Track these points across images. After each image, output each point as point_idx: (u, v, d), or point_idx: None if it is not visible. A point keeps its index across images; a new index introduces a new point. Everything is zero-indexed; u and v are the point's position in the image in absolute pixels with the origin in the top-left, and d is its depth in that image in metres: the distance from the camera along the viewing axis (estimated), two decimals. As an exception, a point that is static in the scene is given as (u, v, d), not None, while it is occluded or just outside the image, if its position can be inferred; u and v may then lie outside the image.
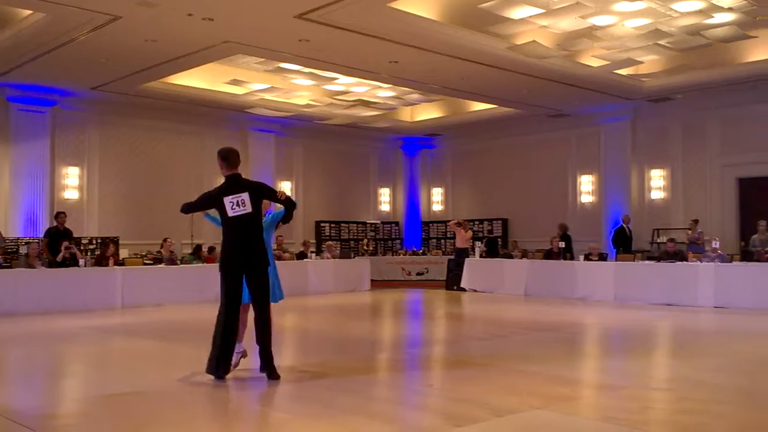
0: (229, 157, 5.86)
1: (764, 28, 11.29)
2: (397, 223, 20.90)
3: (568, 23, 10.47)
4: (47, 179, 14.35)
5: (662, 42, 11.32)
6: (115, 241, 14.18)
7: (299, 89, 14.87)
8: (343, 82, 14.28)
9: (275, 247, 11.39)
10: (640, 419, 4.63)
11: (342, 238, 19.22)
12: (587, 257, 13.56)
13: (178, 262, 13.55)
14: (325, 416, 4.71)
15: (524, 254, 15.49)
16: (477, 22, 10.76)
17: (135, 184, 15.77)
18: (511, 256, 15.46)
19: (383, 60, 12.17)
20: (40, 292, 11.00)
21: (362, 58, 12.03)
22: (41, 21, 10.18)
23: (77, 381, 6.39)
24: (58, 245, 12.14)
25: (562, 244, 14.54)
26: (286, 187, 17.67)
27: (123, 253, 14.31)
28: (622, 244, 14.85)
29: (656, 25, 10.62)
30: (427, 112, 17.97)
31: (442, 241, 20.06)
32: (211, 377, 5.69)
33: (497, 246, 17.60)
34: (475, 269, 14.92)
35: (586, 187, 17.41)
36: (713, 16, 10.27)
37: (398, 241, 20.66)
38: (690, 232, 14.15)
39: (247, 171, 15.29)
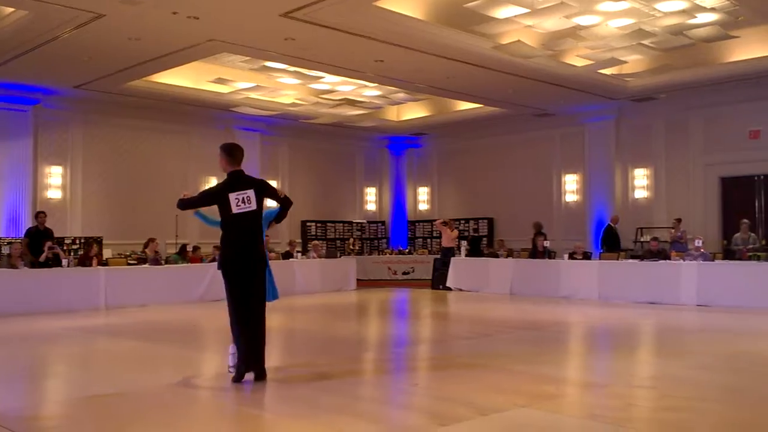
0: (233, 153, 5.73)
1: (746, 28, 11.40)
2: (383, 223, 20.90)
3: (552, 23, 10.53)
4: (30, 178, 14.22)
5: (646, 42, 11.41)
6: (98, 241, 14.09)
7: (285, 88, 14.83)
8: (328, 81, 14.25)
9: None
10: (623, 417, 4.66)
11: (328, 237, 19.20)
12: (571, 256, 13.63)
13: (163, 262, 13.46)
14: (311, 416, 4.70)
15: (509, 253, 15.54)
16: (462, 22, 10.78)
17: (119, 183, 15.65)
18: (496, 255, 15.49)
19: (369, 59, 12.16)
20: (23, 292, 10.88)
21: (348, 57, 12.02)
22: (24, 18, 10.08)
23: (60, 382, 6.34)
24: (40, 245, 12.03)
25: (547, 243, 14.59)
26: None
27: (106, 253, 14.24)
28: (610, 243, 14.92)
29: (640, 25, 10.70)
30: (413, 112, 17.98)
31: (428, 240, 20.08)
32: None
33: (481, 245, 17.64)
34: (460, 268, 14.93)
35: (571, 186, 17.52)
36: (696, 16, 10.36)
37: (384, 241, 20.67)
38: (673, 230, 14.28)
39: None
